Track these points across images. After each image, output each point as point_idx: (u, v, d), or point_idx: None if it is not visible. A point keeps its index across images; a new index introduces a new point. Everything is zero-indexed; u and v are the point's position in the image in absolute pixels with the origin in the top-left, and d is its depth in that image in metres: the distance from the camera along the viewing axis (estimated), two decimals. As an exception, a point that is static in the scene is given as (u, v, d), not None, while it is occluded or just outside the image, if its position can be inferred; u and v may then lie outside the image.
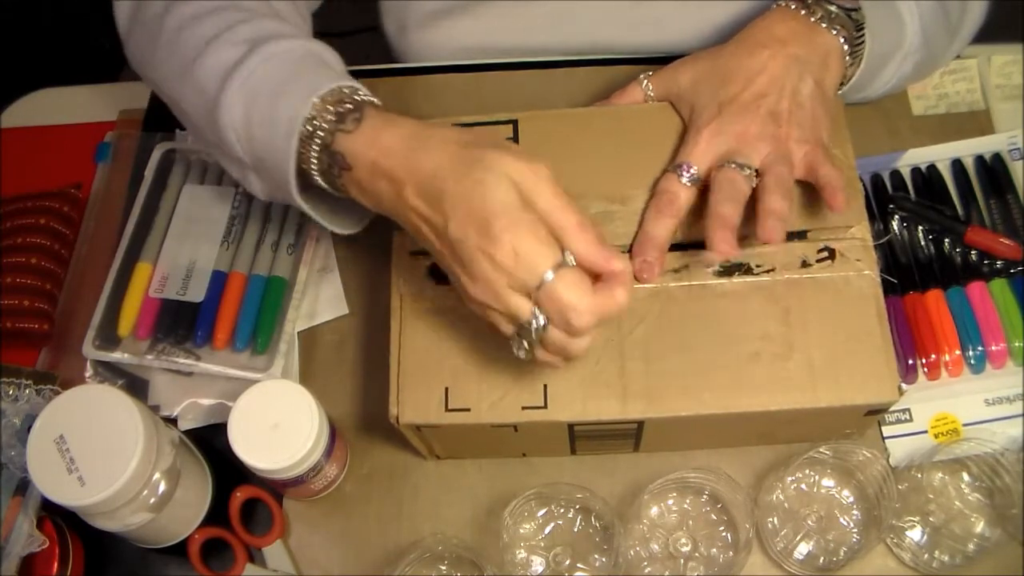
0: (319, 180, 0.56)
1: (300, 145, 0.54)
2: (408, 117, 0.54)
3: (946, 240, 0.71)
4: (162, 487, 0.61)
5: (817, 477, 0.66)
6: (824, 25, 0.62)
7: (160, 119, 0.79)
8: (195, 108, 0.60)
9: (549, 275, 0.49)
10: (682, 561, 0.64)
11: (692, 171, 0.60)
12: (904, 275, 0.70)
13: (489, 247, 0.49)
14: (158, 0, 0.62)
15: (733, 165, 0.59)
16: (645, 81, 0.67)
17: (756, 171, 0.59)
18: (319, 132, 0.54)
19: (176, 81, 0.61)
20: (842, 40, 0.62)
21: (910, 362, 0.67)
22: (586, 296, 0.49)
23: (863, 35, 0.64)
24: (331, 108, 0.54)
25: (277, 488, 0.66)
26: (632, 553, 0.64)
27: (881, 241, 0.71)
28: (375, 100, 0.56)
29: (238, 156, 0.58)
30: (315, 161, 0.55)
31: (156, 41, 0.62)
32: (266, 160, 0.57)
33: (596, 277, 0.51)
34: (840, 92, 0.65)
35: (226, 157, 0.61)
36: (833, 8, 0.62)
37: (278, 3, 0.65)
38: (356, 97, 0.55)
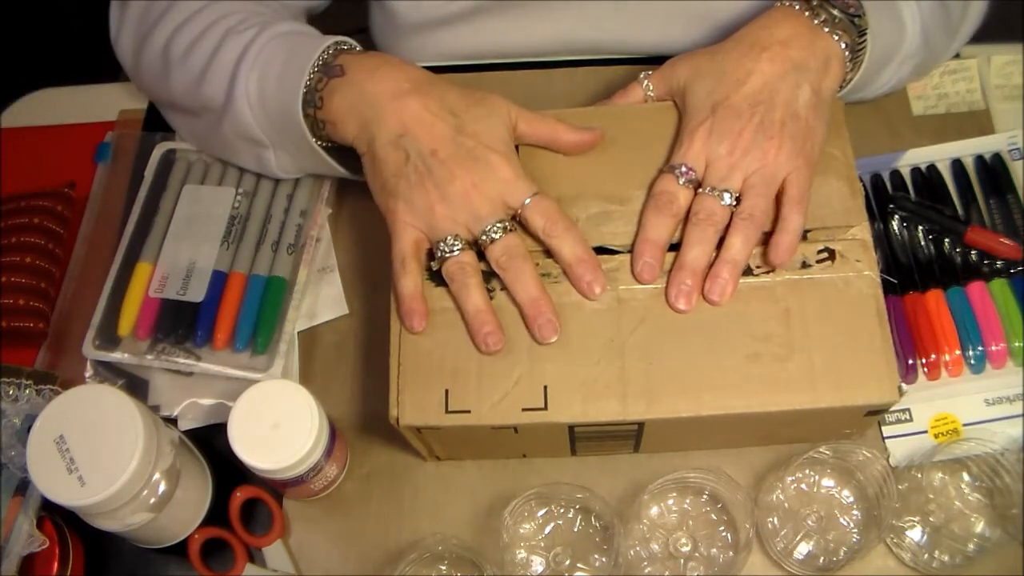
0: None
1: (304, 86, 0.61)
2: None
3: (946, 240, 0.71)
4: (162, 487, 0.61)
5: (817, 477, 0.66)
6: (827, 29, 0.62)
7: (160, 119, 0.79)
8: (212, 105, 0.67)
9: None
10: (682, 561, 0.64)
11: (691, 173, 0.60)
12: (904, 275, 0.70)
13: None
14: (156, 39, 0.70)
15: (714, 191, 0.60)
16: (645, 81, 0.67)
17: (738, 197, 0.60)
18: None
19: (191, 95, 0.69)
20: (843, 46, 0.62)
21: (910, 362, 0.67)
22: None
23: (865, 41, 0.63)
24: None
25: (277, 488, 0.66)
26: (632, 553, 0.64)
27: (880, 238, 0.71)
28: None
29: (256, 136, 0.66)
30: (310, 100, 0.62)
31: (167, 73, 0.70)
32: (277, 120, 0.65)
33: None
34: (837, 96, 0.65)
35: (241, 149, 0.69)
36: (837, 12, 0.62)
37: (261, 5, 0.71)
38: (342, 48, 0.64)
